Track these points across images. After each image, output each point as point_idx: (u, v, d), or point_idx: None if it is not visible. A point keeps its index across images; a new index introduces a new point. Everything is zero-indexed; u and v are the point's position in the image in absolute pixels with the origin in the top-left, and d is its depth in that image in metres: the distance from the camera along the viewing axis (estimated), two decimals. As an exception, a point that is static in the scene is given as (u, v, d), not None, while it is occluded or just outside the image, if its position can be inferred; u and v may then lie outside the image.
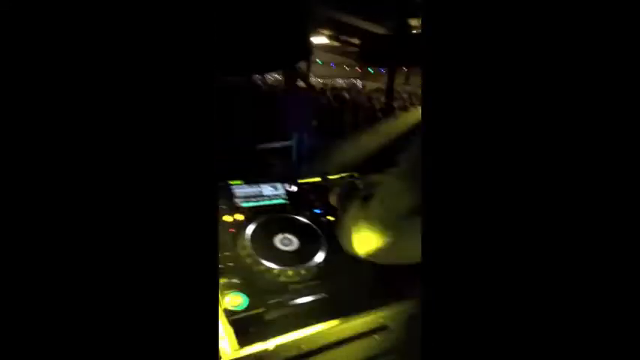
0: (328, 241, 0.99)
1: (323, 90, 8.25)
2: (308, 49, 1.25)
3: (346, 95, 8.49)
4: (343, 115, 7.29)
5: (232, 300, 0.80)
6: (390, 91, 7.08)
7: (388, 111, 7.13)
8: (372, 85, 9.93)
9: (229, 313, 0.77)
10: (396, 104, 7.81)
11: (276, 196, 1.17)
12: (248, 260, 0.90)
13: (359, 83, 9.87)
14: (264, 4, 1.09)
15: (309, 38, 1.26)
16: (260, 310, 0.79)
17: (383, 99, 7.95)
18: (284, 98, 3.67)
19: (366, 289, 0.90)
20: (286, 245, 0.96)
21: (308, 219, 1.08)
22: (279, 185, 1.21)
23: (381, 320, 0.85)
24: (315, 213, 1.12)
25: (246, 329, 0.74)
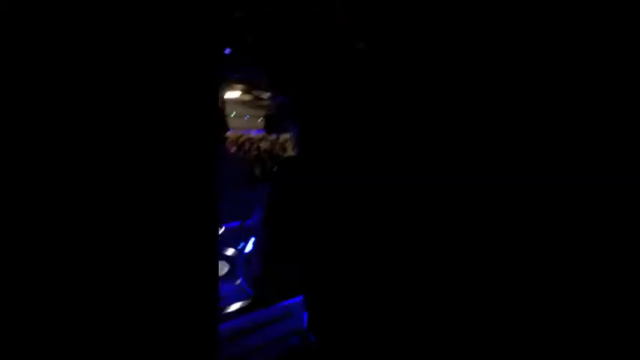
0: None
1: (239, 141, 8.67)
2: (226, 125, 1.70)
3: (261, 145, 9.03)
4: (259, 163, 7.73)
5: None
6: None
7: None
8: (286, 135, 10.74)
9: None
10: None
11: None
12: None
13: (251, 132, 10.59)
14: None
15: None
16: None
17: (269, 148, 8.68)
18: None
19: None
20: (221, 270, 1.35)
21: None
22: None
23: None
24: (240, 246, 1.53)
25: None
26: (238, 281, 1.29)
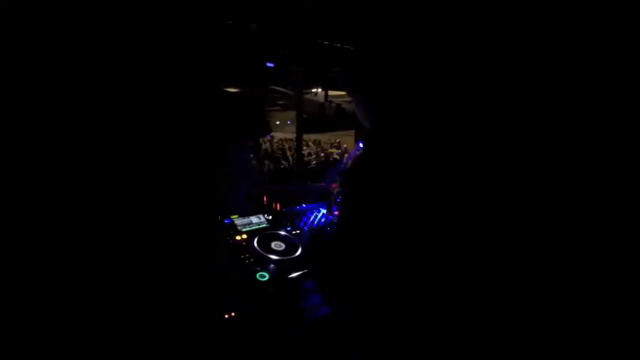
0: (301, 244, 1.69)
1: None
2: (269, 129, 1.99)
3: (261, 143, 9.33)
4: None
5: (260, 276, 1.44)
6: (299, 140, 8.10)
7: (299, 157, 8.11)
8: (279, 134, 11.08)
9: (259, 283, 1.40)
10: (305, 151, 8.89)
11: (260, 222, 1.83)
12: (260, 257, 1.54)
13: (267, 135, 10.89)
14: (246, 105, 1.80)
15: (268, 122, 2.01)
16: (273, 281, 1.44)
17: (292, 146, 9.00)
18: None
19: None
20: (279, 247, 1.63)
21: (285, 233, 1.76)
22: (260, 216, 1.87)
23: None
24: (287, 230, 1.81)
25: (268, 290, 1.39)
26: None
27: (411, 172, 0.78)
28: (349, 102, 2.62)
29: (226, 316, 1.26)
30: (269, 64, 1.76)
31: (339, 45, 1.87)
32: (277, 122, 11.17)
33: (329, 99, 2.56)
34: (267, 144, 9.18)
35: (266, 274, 1.45)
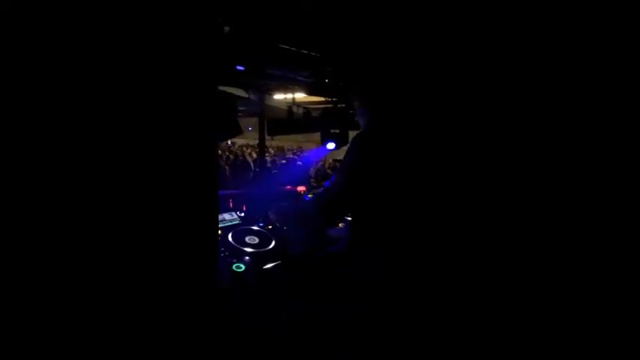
0: (274, 238, 1.76)
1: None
2: (240, 130, 2.05)
3: (218, 151, 9.21)
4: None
5: (236, 267, 1.49)
6: (262, 146, 8.12)
7: (261, 162, 8.13)
8: (241, 141, 10.96)
9: (236, 273, 1.46)
10: (267, 157, 8.90)
11: (233, 219, 1.88)
12: (235, 250, 1.60)
13: (229, 141, 10.76)
14: (218, 106, 1.85)
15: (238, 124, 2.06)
16: (249, 271, 1.51)
17: (254, 153, 8.97)
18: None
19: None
20: (253, 240, 1.70)
21: (258, 228, 1.83)
22: (232, 213, 1.92)
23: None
24: (260, 225, 1.88)
25: (245, 279, 1.45)
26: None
27: (402, 167, 0.84)
28: (315, 107, 2.74)
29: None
30: (239, 68, 1.83)
31: (305, 52, 1.99)
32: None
33: (295, 102, 2.67)
34: (227, 152, 9.10)
35: (242, 265, 1.51)
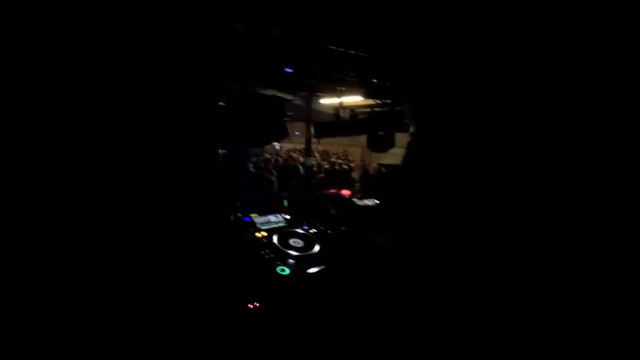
0: (318, 241, 1.73)
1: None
2: (287, 133, 2.05)
3: (268, 156, 9.49)
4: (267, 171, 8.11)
5: (281, 270, 1.48)
6: (308, 150, 8.21)
7: (307, 166, 8.22)
8: (288, 145, 11.20)
9: (280, 276, 1.44)
10: (313, 161, 8.99)
11: (278, 221, 1.88)
12: (280, 252, 1.59)
13: (277, 145, 11.03)
14: (266, 110, 1.88)
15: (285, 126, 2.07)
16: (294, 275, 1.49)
17: (301, 157, 9.10)
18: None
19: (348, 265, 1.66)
20: (297, 244, 1.68)
21: (303, 231, 1.81)
22: (278, 215, 1.93)
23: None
24: (304, 228, 1.86)
25: (290, 283, 1.43)
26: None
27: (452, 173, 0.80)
28: (362, 111, 2.68)
29: (250, 306, 1.30)
30: (287, 70, 1.83)
31: (353, 52, 1.94)
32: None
33: (342, 106, 2.65)
34: (275, 156, 9.33)
35: (286, 269, 1.50)
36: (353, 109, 2.67)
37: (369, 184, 5.70)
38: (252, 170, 6.30)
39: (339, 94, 2.72)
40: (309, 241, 1.73)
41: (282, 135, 2.03)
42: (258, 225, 1.81)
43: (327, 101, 7.55)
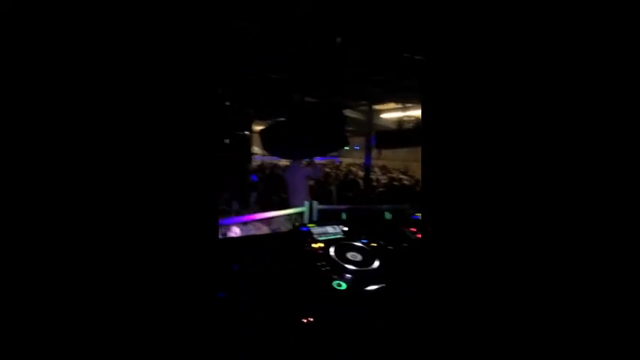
0: (378, 256, 1.61)
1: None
2: (347, 142, 2.00)
3: (327, 170, 9.56)
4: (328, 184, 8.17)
5: (337, 285, 1.39)
6: (367, 165, 8.11)
7: (366, 180, 8.09)
8: (347, 160, 11.19)
9: (336, 292, 1.35)
10: (372, 176, 8.85)
11: (336, 232, 1.80)
12: (337, 265, 1.51)
13: (337, 159, 11.09)
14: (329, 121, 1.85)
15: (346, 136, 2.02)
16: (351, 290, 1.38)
17: (360, 171, 9.01)
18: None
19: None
20: (355, 257, 1.58)
21: (362, 244, 1.71)
22: (336, 226, 1.85)
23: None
24: (363, 242, 1.75)
25: (346, 300, 1.33)
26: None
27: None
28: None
29: (304, 320, 1.23)
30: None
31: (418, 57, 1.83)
32: (346, 147, 11.36)
33: (405, 118, 2.53)
34: (335, 170, 9.36)
35: (343, 284, 1.40)
36: (417, 121, 2.52)
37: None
38: (311, 183, 6.40)
39: (402, 106, 2.61)
40: (368, 256, 1.62)
41: (343, 144, 1.98)
42: (315, 235, 1.75)
43: (389, 115, 7.43)
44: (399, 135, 2.36)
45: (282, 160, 9.25)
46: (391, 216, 2.48)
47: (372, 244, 1.75)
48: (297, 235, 1.74)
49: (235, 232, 2.55)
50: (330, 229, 1.83)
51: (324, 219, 1.87)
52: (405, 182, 7.71)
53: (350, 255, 1.61)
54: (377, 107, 6.91)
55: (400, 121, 2.33)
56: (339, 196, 6.07)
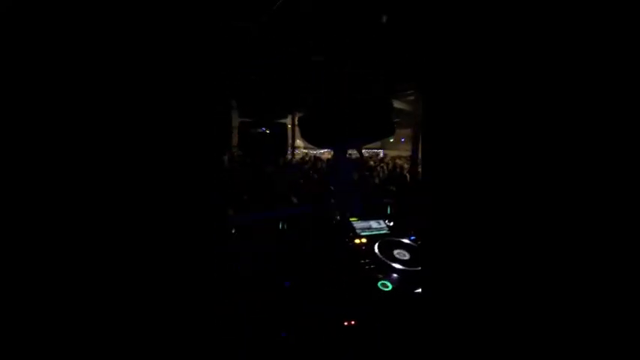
0: (427, 255, 1.46)
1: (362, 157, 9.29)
2: (394, 129, 1.85)
3: (372, 163, 9.36)
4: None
5: (383, 285, 1.27)
6: (414, 158, 7.78)
7: (413, 173, 7.78)
8: (393, 152, 10.85)
9: (381, 293, 1.23)
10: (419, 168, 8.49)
11: (381, 228, 1.67)
12: (383, 264, 1.38)
13: (381, 152, 10.82)
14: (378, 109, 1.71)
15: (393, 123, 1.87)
16: (398, 292, 1.25)
17: (406, 164, 8.68)
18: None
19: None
20: (402, 256, 1.44)
21: (409, 241, 1.56)
22: (381, 221, 1.72)
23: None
24: (411, 239, 1.60)
25: (391, 301, 1.20)
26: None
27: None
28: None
29: (345, 323, 1.12)
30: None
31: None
32: (391, 140, 11.05)
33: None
34: (380, 164, 9.11)
35: (389, 284, 1.27)
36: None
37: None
38: (355, 178, 6.25)
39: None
40: (416, 254, 1.47)
41: (390, 132, 1.83)
42: (358, 230, 1.63)
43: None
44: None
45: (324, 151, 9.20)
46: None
47: (420, 242, 1.60)
48: (338, 229, 1.63)
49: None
50: (374, 223, 1.70)
51: (366, 213, 1.74)
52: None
53: (397, 253, 1.47)
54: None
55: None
56: (382, 189, 5.87)
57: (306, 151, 9.94)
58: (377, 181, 6.66)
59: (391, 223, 1.73)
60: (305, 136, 1.77)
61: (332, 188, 4.13)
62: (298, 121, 1.79)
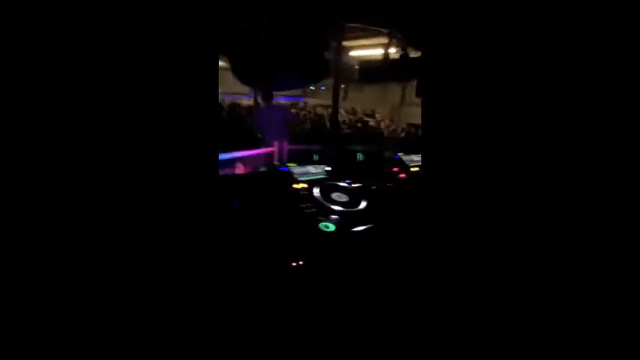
0: (365, 197, 1.54)
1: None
2: (328, 72, 1.80)
3: (293, 110, 9.20)
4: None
5: (325, 226, 1.31)
6: (335, 107, 7.86)
7: (333, 121, 7.91)
8: (312, 101, 10.77)
9: (324, 234, 1.27)
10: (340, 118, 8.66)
11: (318, 172, 1.69)
12: (323, 207, 1.41)
13: (301, 100, 10.67)
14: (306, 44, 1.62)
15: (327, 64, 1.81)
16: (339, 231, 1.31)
17: (326, 112, 8.76)
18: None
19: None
20: (341, 198, 1.49)
21: (346, 184, 1.62)
22: (317, 166, 1.73)
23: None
24: (347, 182, 1.66)
25: (334, 241, 1.26)
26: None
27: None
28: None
29: (293, 264, 1.14)
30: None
31: None
32: (312, 87, 10.91)
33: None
34: (302, 111, 9.03)
35: (331, 225, 1.32)
36: (404, 49, 2.31)
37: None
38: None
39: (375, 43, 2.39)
40: (354, 197, 1.54)
41: (322, 75, 1.78)
42: (296, 176, 1.63)
43: (358, 53, 7.05)
44: (385, 68, 2.14)
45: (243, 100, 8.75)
46: (363, 157, 2.39)
47: (356, 185, 1.67)
48: (276, 175, 1.60)
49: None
50: (312, 168, 1.71)
51: (295, 160, 1.73)
52: (371, 124, 7.64)
53: (335, 196, 1.51)
54: (346, 44, 6.55)
55: (386, 50, 2.13)
56: (308, 136, 5.90)
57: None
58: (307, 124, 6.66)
59: (328, 168, 1.76)
60: (236, 73, 1.62)
61: (259, 135, 4.02)
62: (230, 57, 1.63)
